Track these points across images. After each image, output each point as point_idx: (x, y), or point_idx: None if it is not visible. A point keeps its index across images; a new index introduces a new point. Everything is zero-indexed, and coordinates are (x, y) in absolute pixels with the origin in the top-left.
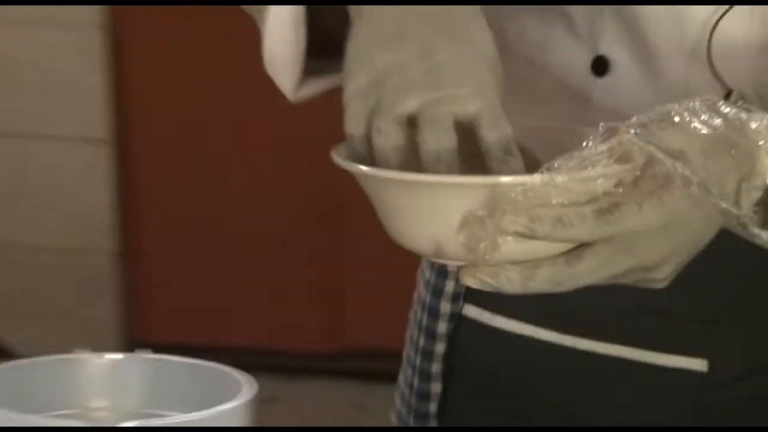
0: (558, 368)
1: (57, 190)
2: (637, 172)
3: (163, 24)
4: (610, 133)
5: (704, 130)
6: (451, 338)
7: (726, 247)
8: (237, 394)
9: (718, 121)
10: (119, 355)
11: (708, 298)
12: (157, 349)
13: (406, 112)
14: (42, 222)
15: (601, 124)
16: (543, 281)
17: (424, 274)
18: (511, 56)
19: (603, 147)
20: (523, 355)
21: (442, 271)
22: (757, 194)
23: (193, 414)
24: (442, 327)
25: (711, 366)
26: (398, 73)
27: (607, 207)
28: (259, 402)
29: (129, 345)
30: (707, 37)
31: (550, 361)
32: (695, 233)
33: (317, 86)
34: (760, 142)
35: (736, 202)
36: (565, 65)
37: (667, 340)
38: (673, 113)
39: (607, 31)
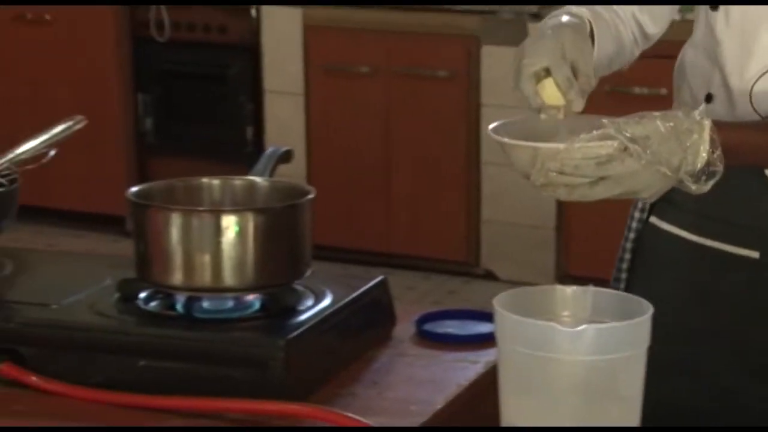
0: (691, 255)
1: None
2: (619, 146)
3: None
4: (607, 122)
5: (661, 128)
6: (639, 232)
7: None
8: (637, 313)
9: (669, 124)
10: (577, 288)
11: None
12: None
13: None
14: None
15: (603, 119)
16: (578, 195)
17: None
18: (687, 92)
19: (597, 132)
20: (675, 246)
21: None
22: (692, 168)
23: (626, 322)
24: (634, 225)
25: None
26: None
27: (602, 161)
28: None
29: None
30: (754, 82)
31: (689, 251)
32: (654, 180)
33: None
34: (694, 136)
35: (677, 171)
36: (699, 97)
37: (738, 240)
38: (643, 115)
39: (714, 83)
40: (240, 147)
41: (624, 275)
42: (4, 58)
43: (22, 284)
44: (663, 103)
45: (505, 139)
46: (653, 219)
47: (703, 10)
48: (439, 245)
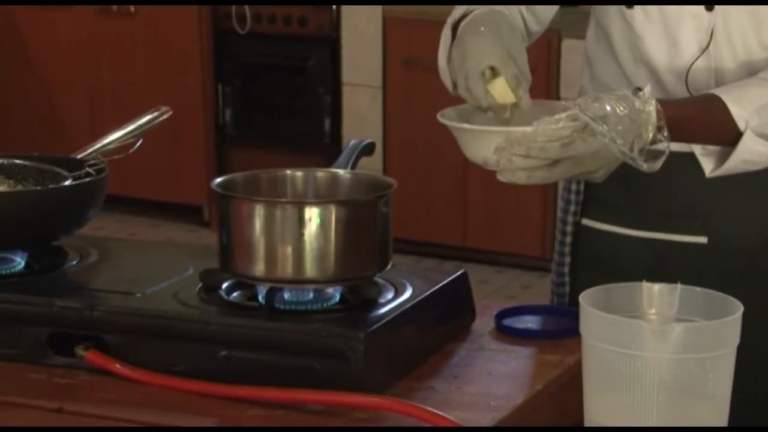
0: (635, 250)
1: None
2: (580, 125)
3: None
4: (568, 104)
5: (617, 107)
6: (574, 234)
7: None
8: (724, 311)
9: (623, 103)
10: (664, 285)
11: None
12: None
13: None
14: None
15: (563, 100)
16: (536, 178)
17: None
18: (600, 88)
19: (563, 114)
20: (606, 241)
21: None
22: (644, 145)
23: (715, 321)
24: (569, 228)
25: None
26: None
27: (567, 142)
28: None
29: None
30: (688, 68)
31: (631, 246)
32: (611, 159)
33: None
34: (643, 115)
35: (631, 149)
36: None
37: (690, 227)
38: (597, 96)
39: (641, 77)
40: (317, 139)
41: (567, 279)
42: (89, 49)
43: (106, 273)
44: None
45: (476, 126)
46: (586, 221)
47: (613, 9)
48: (514, 240)
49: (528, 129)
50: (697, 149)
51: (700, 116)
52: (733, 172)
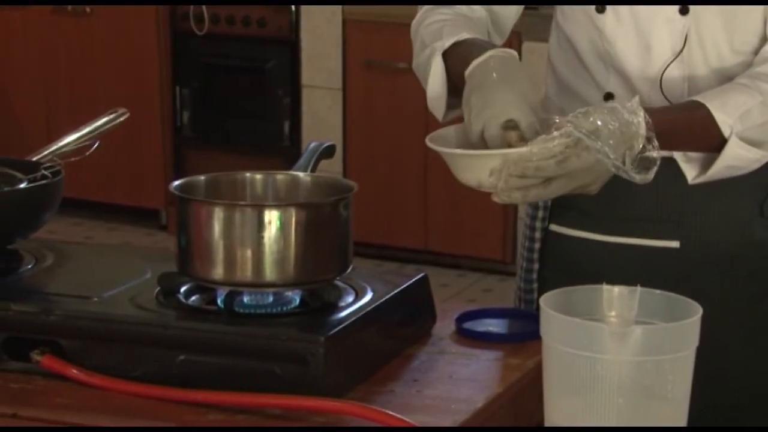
0: (605, 255)
1: None
2: (572, 141)
3: None
4: (561, 121)
5: (608, 120)
6: (543, 240)
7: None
8: (684, 314)
9: (613, 116)
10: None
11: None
12: None
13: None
14: None
15: (556, 117)
16: (533, 196)
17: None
18: (570, 99)
19: (557, 132)
20: (576, 247)
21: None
22: (635, 156)
23: (675, 323)
24: (538, 235)
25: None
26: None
27: (561, 159)
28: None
29: None
30: (662, 73)
31: (602, 252)
32: (604, 172)
33: (454, 114)
34: (633, 129)
35: (623, 162)
36: (593, 101)
37: (662, 232)
38: (592, 110)
39: (611, 82)
40: (277, 141)
41: (535, 285)
42: (44, 50)
43: (62, 277)
44: None
45: (472, 151)
46: (554, 227)
47: (580, 14)
48: (475, 243)
49: (524, 149)
50: (678, 156)
51: (685, 124)
52: (717, 178)
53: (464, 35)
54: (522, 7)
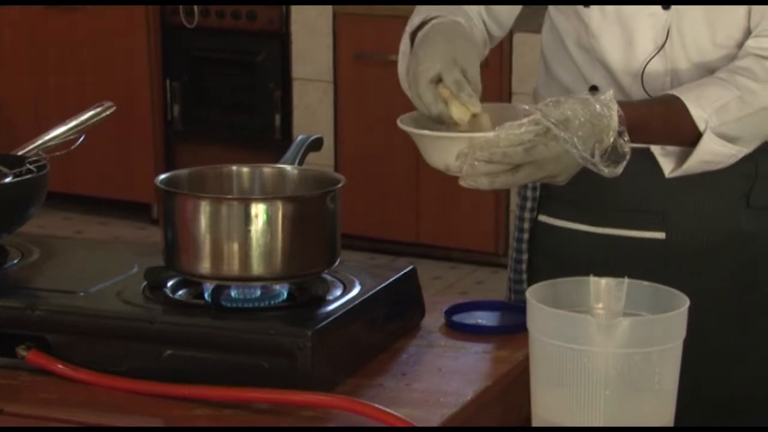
0: (593, 246)
1: None
2: (541, 129)
3: None
4: (530, 109)
5: (579, 111)
6: (532, 231)
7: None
8: (671, 305)
9: (584, 107)
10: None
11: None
12: None
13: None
14: None
15: (525, 105)
16: (499, 183)
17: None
18: (558, 90)
19: (525, 119)
20: (564, 238)
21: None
22: (605, 149)
23: (662, 315)
24: (527, 225)
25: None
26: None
27: (529, 147)
28: None
29: None
30: (643, 67)
31: (589, 243)
32: (572, 163)
33: None
34: (604, 119)
35: (592, 154)
36: (578, 93)
37: (649, 223)
38: (558, 100)
39: (597, 76)
40: (268, 134)
41: (524, 276)
42: (33, 43)
43: (49, 271)
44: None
45: (438, 133)
46: (543, 217)
47: (569, 9)
48: (467, 235)
49: (490, 134)
50: (656, 149)
51: (660, 118)
52: (693, 172)
53: (433, 14)
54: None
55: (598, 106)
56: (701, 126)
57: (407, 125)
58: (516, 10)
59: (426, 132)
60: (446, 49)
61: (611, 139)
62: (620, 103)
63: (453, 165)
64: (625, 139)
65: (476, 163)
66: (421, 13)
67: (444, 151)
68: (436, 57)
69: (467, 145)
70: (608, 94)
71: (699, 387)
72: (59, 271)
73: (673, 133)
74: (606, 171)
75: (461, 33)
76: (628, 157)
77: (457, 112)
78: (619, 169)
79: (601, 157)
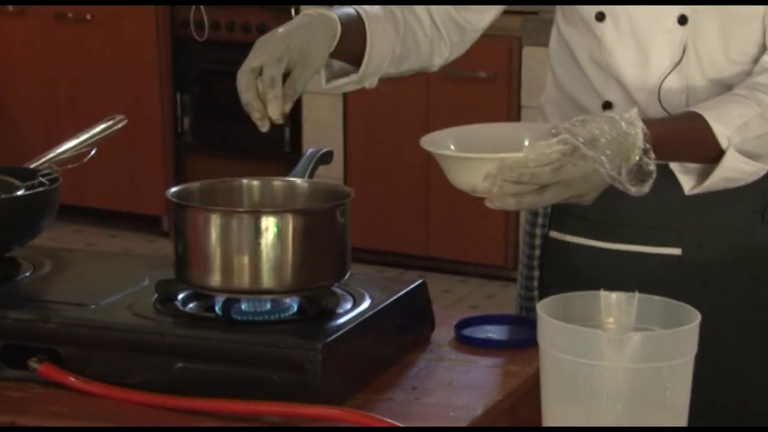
0: (606, 262)
1: None
2: (569, 149)
3: None
4: (558, 129)
5: (606, 130)
6: (543, 247)
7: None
8: (683, 320)
9: (611, 126)
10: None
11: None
12: None
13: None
14: None
15: (554, 123)
16: (526, 204)
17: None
18: (568, 104)
19: (554, 140)
20: (577, 254)
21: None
22: (631, 167)
23: (673, 330)
24: (538, 242)
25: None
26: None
27: (557, 166)
28: None
29: None
30: (660, 84)
31: (602, 258)
32: (599, 182)
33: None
34: (630, 140)
35: (619, 173)
36: (592, 109)
37: (664, 239)
38: (590, 119)
39: (610, 91)
40: (277, 147)
41: (536, 293)
42: (44, 56)
43: (61, 284)
44: (484, 85)
45: (467, 154)
46: (554, 233)
47: (580, 22)
48: (477, 249)
49: (520, 155)
50: (675, 166)
51: (683, 135)
52: (714, 189)
53: (361, 7)
54: (499, 9)
55: (623, 125)
56: (724, 143)
57: (430, 146)
58: (488, 14)
59: (453, 153)
60: (279, 43)
61: (637, 157)
62: (644, 121)
63: (480, 186)
64: (651, 156)
65: (505, 183)
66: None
67: (471, 172)
68: (270, 46)
69: (496, 166)
70: (633, 112)
71: (713, 402)
72: (71, 284)
73: (695, 150)
74: (633, 190)
75: (316, 27)
76: (654, 175)
77: (273, 111)
78: (646, 188)
79: (628, 175)
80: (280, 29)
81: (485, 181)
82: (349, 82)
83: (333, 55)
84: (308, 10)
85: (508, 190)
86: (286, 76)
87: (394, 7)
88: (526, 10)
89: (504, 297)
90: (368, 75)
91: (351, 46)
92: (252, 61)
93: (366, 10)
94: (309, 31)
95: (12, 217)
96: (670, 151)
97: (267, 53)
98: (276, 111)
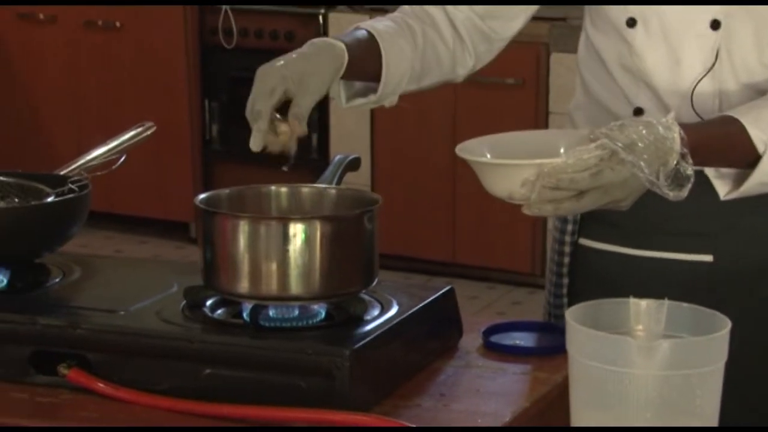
0: (637, 269)
1: None
2: (606, 154)
3: None
4: (596, 134)
5: (644, 134)
6: (572, 254)
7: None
8: (712, 327)
9: (649, 130)
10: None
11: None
12: None
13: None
14: None
15: (590, 129)
16: (564, 210)
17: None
18: (598, 111)
19: (593, 145)
20: (607, 261)
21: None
22: (668, 172)
23: (702, 337)
24: (567, 249)
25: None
26: None
27: (595, 171)
28: None
29: None
30: (693, 88)
31: (633, 266)
32: (638, 187)
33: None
34: (668, 144)
35: (657, 178)
36: (623, 114)
37: (696, 246)
38: (628, 123)
39: (641, 97)
40: (305, 154)
41: (565, 300)
42: (74, 64)
43: (90, 290)
44: (511, 91)
45: (505, 160)
46: (583, 240)
47: (610, 27)
48: (504, 256)
49: (559, 161)
50: (710, 172)
51: (718, 139)
52: (750, 194)
53: (377, 25)
54: (530, 12)
55: (661, 129)
56: (761, 148)
57: (466, 153)
58: (515, 23)
59: (493, 160)
60: (285, 72)
61: (675, 162)
62: (681, 126)
63: (518, 193)
64: (689, 161)
65: (543, 189)
66: (379, 19)
67: (509, 179)
68: (265, 78)
69: (534, 172)
70: (670, 117)
71: (744, 411)
72: (100, 290)
73: (731, 155)
74: (671, 195)
75: (318, 56)
76: (692, 179)
77: (253, 143)
78: (684, 192)
79: (666, 180)
80: (280, 59)
81: (523, 187)
82: (367, 103)
83: (349, 78)
84: (315, 40)
85: (547, 197)
86: (288, 102)
87: (411, 21)
88: (554, 16)
89: (531, 304)
90: (387, 94)
91: (367, 68)
92: (252, 94)
93: (378, 30)
94: (308, 61)
95: (42, 223)
96: (705, 156)
97: (260, 86)
98: (256, 143)
